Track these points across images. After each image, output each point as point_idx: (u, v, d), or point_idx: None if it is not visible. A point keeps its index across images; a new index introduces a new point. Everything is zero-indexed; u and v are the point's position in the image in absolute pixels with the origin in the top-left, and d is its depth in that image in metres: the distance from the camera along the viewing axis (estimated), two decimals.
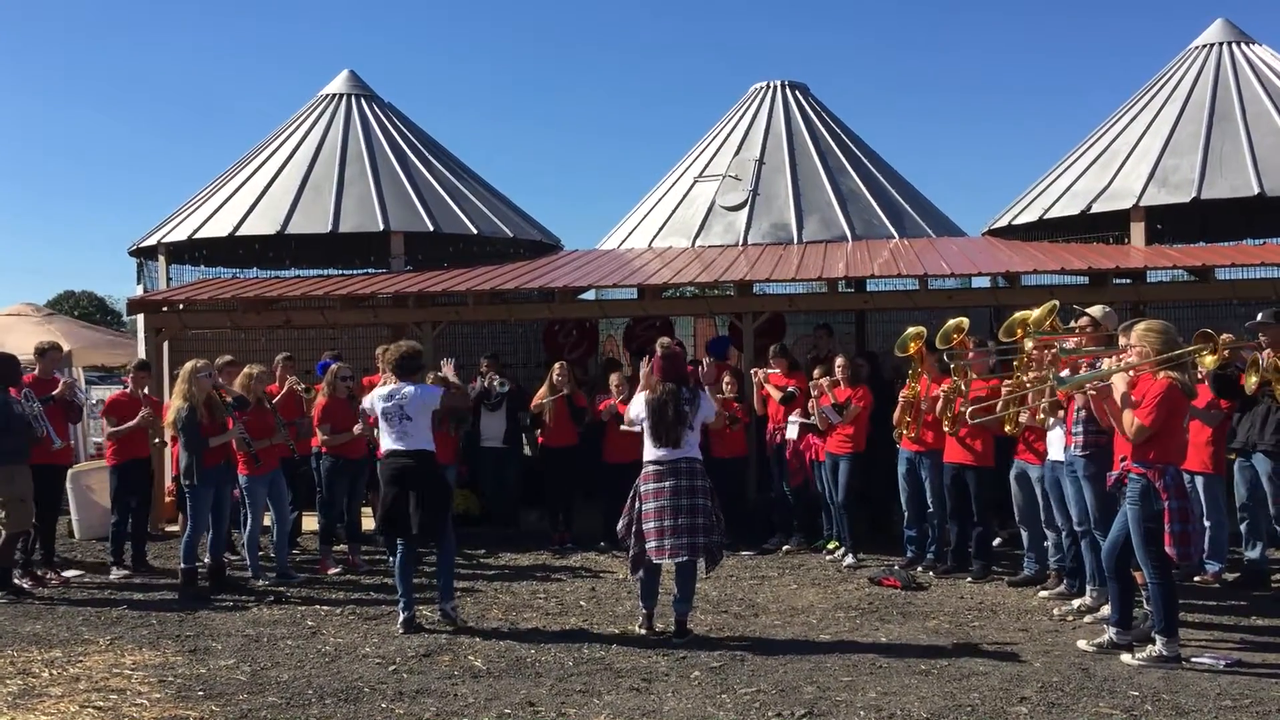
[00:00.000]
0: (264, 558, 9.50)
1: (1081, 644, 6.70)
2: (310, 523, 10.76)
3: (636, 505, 7.18)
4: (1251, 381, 7.53)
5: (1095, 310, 7.54)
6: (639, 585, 7.27)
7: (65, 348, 14.75)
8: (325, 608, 8.23)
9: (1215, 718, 5.41)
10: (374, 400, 7.70)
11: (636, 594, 7.38)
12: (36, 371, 9.65)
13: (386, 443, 7.63)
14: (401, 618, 7.50)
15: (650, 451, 7.19)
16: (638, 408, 7.28)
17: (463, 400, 8.91)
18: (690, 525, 7.01)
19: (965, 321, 8.92)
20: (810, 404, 10.14)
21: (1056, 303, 7.77)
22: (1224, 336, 7.80)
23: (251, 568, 9.27)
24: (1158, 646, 6.27)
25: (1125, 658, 6.38)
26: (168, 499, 11.73)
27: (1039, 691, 5.82)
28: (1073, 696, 5.74)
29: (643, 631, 7.16)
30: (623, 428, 8.49)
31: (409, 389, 7.57)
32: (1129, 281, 11.70)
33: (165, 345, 12.60)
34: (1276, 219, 13.66)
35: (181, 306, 12.66)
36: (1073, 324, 7.65)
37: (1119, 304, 10.17)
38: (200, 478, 8.68)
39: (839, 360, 10.05)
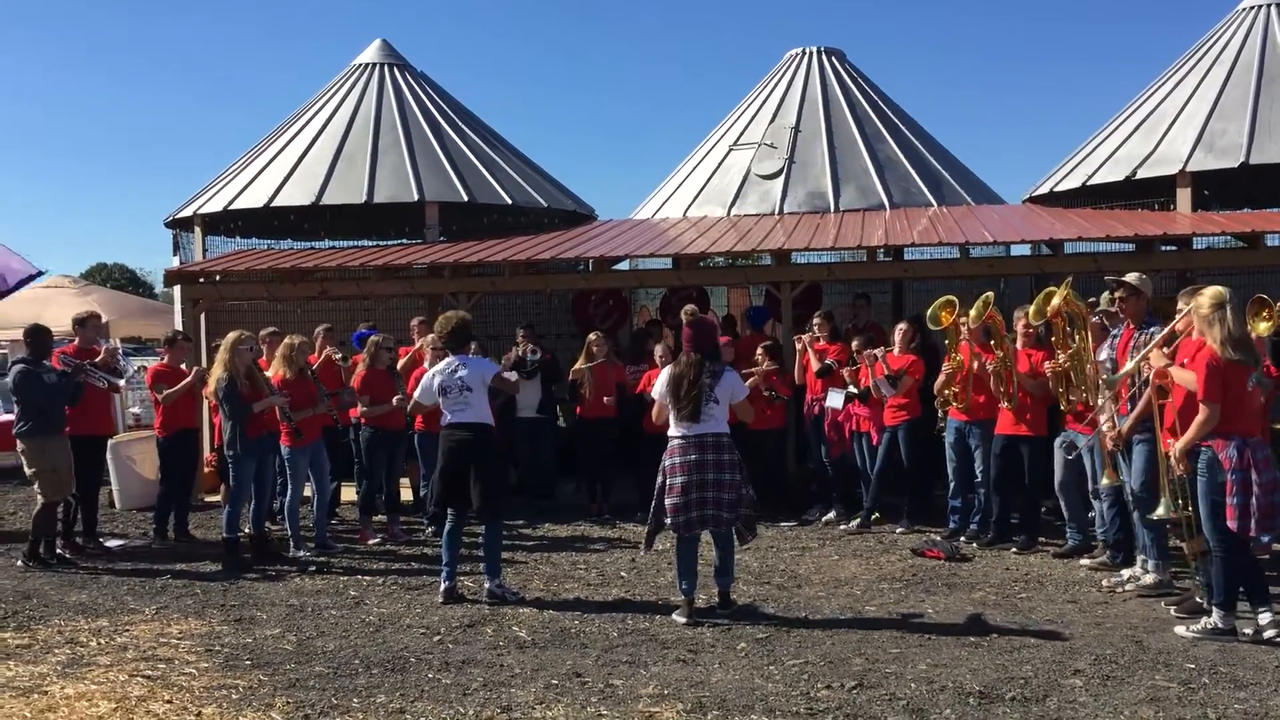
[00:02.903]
0: (304, 528, 9.51)
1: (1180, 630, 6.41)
2: (349, 493, 10.79)
3: (663, 480, 6.98)
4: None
5: (1132, 277, 7.39)
6: (677, 562, 7.00)
7: (104, 318, 14.88)
8: (367, 578, 8.24)
9: (1274, 690, 5.32)
10: (432, 375, 7.65)
11: (675, 573, 7.10)
12: (77, 341, 9.67)
13: (447, 414, 7.57)
14: (443, 587, 7.48)
15: (675, 426, 6.97)
16: (662, 380, 7.15)
17: (512, 388, 8.74)
18: (716, 499, 6.82)
19: (991, 295, 8.80)
20: (847, 374, 10.05)
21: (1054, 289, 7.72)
22: None
23: (293, 538, 9.27)
24: (1214, 619, 6.15)
25: (1179, 629, 6.28)
26: (207, 469, 11.78)
27: (1092, 664, 5.74)
28: (1127, 669, 5.65)
29: (683, 620, 6.79)
30: (654, 413, 7.77)
31: (466, 361, 7.54)
32: (1175, 249, 11.51)
33: (202, 316, 12.64)
34: None
35: (218, 278, 12.68)
36: (1112, 294, 7.50)
37: (1164, 272, 10.03)
38: (244, 448, 8.69)
39: (901, 326, 9.93)
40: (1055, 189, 13.60)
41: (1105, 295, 7.68)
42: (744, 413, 7.47)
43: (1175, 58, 14.11)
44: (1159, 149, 12.61)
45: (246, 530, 9.03)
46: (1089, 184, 12.99)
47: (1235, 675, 5.51)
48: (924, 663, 5.85)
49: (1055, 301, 7.58)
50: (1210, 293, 6.25)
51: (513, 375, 8.48)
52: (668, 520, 6.90)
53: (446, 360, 7.63)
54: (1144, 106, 13.50)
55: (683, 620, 6.78)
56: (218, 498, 10.95)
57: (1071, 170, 13.50)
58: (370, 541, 9.63)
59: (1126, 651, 5.93)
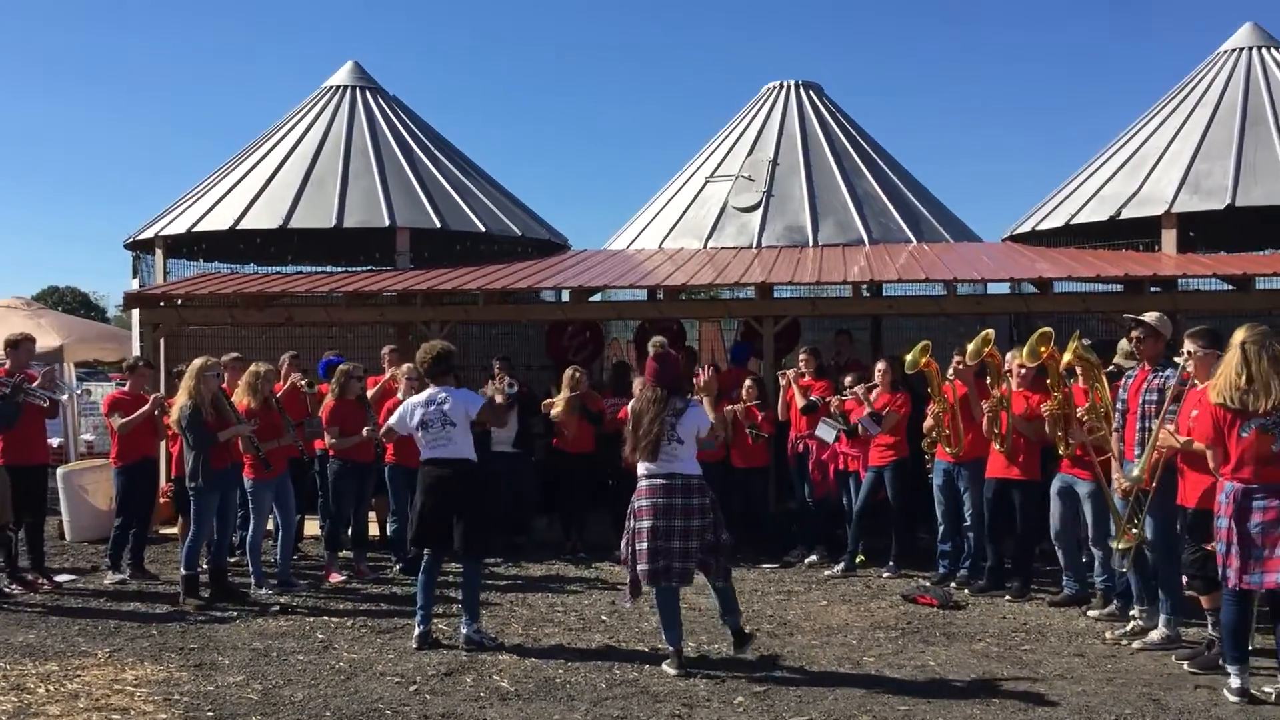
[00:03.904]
0: (265, 564, 9.05)
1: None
2: (311, 528, 10.34)
3: (631, 524, 6.60)
4: None
5: (1150, 317, 7.18)
6: (659, 612, 6.58)
7: (58, 342, 14.34)
8: (334, 619, 7.81)
9: None
10: (411, 407, 7.26)
11: (659, 625, 6.67)
12: (9, 365, 9.02)
13: (426, 450, 7.17)
14: (417, 631, 7.07)
15: (641, 465, 6.60)
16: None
17: (498, 421, 8.35)
18: (685, 550, 6.41)
19: (991, 333, 8.57)
20: (835, 407, 9.78)
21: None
22: None
23: (254, 575, 8.81)
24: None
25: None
26: (162, 500, 11.27)
27: None
28: None
29: (673, 671, 6.37)
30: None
31: (450, 394, 7.14)
32: (1161, 290, 11.36)
33: (161, 341, 12.17)
34: None
35: (180, 301, 12.23)
36: (1129, 334, 7.28)
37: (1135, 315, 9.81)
38: (207, 479, 8.24)
39: (880, 365, 9.67)
40: (1037, 228, 13.45)
41: (1122, 344, 7.43)
42: (713, 437, 7.03)
43: (1153, 100, 14.10)
44: (1143, 189, 12.50)
45: (204, 565, 8.58)
46: (1072, 223, 12.86)
47: None
48: None
49: (1067, 357, 7.33)
50: (1239, 334, 6.01)
51: (501, 397, 8.05)
52: (640, 568, 6.51)
53: (429, 392, 7.24)
54: (1127, 146, 13.42)
55: (674, 671, 6.39)
56: (174, 530, 10.48)
57: (1054, 209, 13.37)
58: (335, 579, 9.19)
59: (1146, 712, 5.63)
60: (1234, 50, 13.56)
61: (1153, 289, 11.12)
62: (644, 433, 6.48)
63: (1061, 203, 13.38)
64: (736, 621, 6.73)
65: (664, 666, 6.46)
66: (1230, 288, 11.09)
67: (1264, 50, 13.39)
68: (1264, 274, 10.60)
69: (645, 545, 6.44)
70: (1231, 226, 12.64)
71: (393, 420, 7.52)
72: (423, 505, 7.10)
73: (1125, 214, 12.39)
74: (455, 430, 7.06)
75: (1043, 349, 7.94)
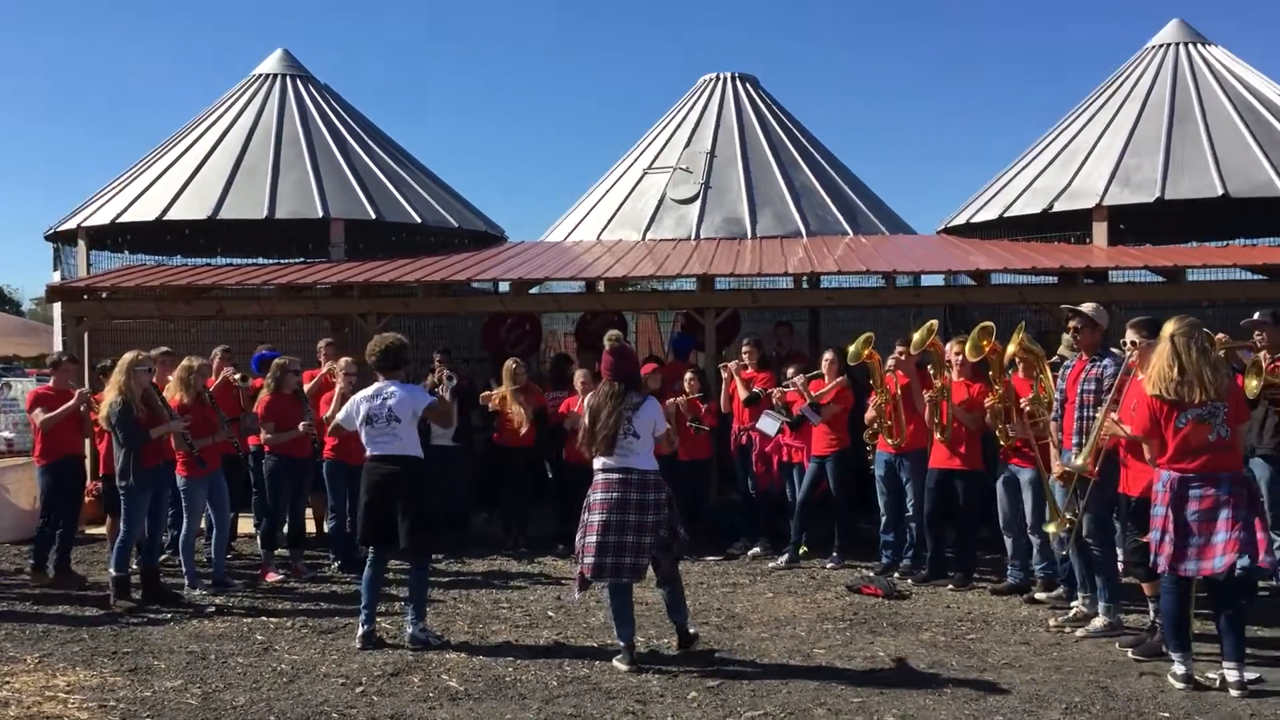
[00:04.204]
0: (198, 563, 8.81)
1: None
2: (245, 525, 10.11)
3: (583, 517, 6.54)
4: (1253, 385, 7.28)
5: (1088, 308, 7.25)
6: (611, 608, 6.51)
7: None
8: (274, 620, 7.61)
9: None
10: (356, 402, 7.09)
11: (611, 621, 6.58)
12: None
13: (370, 447, 7.01)
14: (361, 631, 6.92)
15: (597, 459, 6.55)
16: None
17: (444, 421, 8.19)
18: (638, 544, 6.35)
19: (935, 323, 8.66)
20: (776, 398, 9.79)
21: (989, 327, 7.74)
22: (1219, 336, 7.60)
23: (188, 575, 8.58)
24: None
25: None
26: (88, 499, 10.94)
27: (1065, 713, 5.48)
28: (1101, 719, 5.40)
29: (624, 667, 6.30)
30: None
31: (397, 389, 6.98)
32: (1093, 282, 11.52)
33: (85, 336, 11.83)
34: (1234, 221, 13.63)
35: (105, 294, 11.88)
36: (1067, 324, 7.35)
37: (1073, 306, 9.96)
38: (138, 478, 7.99)
39: (827, 355, 9.67)
40: (972, 220, 13.59)
41: (1066, 339, 7.49)
42: (666, 443, 6.95)
43: (1082, 95, 14.33)
44: (1074, 183, 12.69)
45: (134, 566, 8.33)
46: (1006, 215, 13.00)
47: None
48: (890, 714, 5.51)
49: (1011, 348, 7.38)
50: (1168, 326, 6.09)
51: (449, 395, 7.89)
52: (585, 560, 6.45)
53: (376, 386, 7.08)
54: (1058, 140, 13.61)
55: (625, 667, 6.32)
56: (101, 530, 10.18)
57: (988, 202, 13.52)
58: (272, 579, 8.98)
59: (1096, 700, 5.68)
60: (1161, 46, 13.81)
61: (1086, 280, 11.27)
62: (601, 427, 6.42)
63: (995, 195, 13.53)
64: (683, 620, 6.68)
65: (615, 662, 6.39)
66: (1161, 279, 11.28)
67: (1190, 46, 13.66)
68: (1194, 265, 10.80)
69: (595, 539, 6.38)
70: (1160, 219, 12.87)
71: (339, 416, 7.34)
72: (368, 503, 6.94)
73: (1057, 207, 12.57)
74: (400, 426, 6.92)
75: (985, 343, 8.04)
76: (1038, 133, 14.30)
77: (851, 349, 8.94)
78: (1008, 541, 8.39)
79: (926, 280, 12.15)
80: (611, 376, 6.59)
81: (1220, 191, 11.75)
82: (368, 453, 7.04)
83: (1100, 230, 12.30)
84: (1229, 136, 12.39)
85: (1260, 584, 7.83)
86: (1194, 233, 13.83)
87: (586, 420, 6.59)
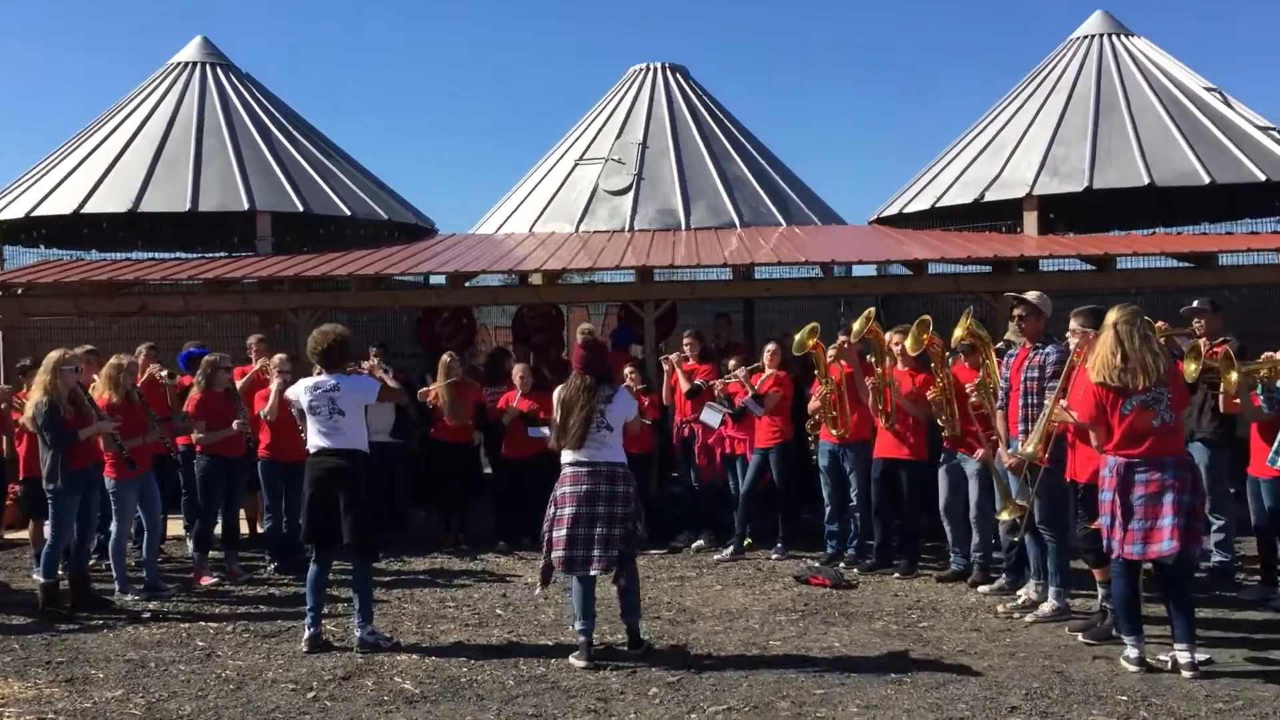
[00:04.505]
0: (129, 568, 8.52)
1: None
2: (175, 527, 9.81)
3: (551, 510, 6.48)
4: (1191, 369, 7.38)
5: (1032, 295, 7.31)
6: (575, 601, 6.41)
7: None
8: (213, 625, 7.38)
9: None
10: (298, 392, 6.89)
11: (572, 613, 6.48)
12: None
13: (314, 440, 6.81)
14: (307, 634, 6.73)
15: (566, 452, 6.49)
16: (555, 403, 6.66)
17: (399, 397, 8.08)
18: (606, 536, 6.29)
19: (873, 311, 8.70)
20: (719, 390, 9.76)
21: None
22: (1159, 324, 7.71)
23: (118, 580, 8.29)
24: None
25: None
26: (9, 502, 10.56)
27: (1025, 699, 5.50)
28: (1062, 704, 5.43)
29: (581, 664, 6.21)
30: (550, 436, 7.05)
31: (340, 380, 6.80)
32: (1024, 271, 11.67)
33: (0, 335, 11.40)
34: (1158, 209, 13.92)
35: (20, 291, 11.45)
36: (1011, 313, 7.40)
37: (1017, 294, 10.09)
38: (66, 480, 7.69)
39: (770, 346, 9.65)
40: (904, 210, 13.70)
41: (1012, 326, 7.53)
42: (634, 428, 7.06)
43: (1008, 86, 14.54)
44: (1004, 173, 12.85)
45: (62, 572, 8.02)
46: (938, 205, 13.12)
47: (1171, 706, 5.36)
48: (853, 705, 5.49)
49: (959, 332, 7.42)
50: (1111, 315, 6.18)
51: (395, 383, 7.74)
52: (555, 554, 6.38)
53: (319, 378, 6.89)
54: (987, 131, 13.78)
55: (581, 664, 6.23)
56: (22, 534, 9.82)
57: (920, 192, 13.63)
58: (207, 582, 8.72)
59: (1054, 685, 5.71)
60: (1086, 37, 14.04)
61: (1019, 270, 11.40)
62: (575, 420, 6.35)
63: (926, 185, 13.65)
64: (634, 621, 6.58)
65: (571, 660, 6.29)
66: (1092, 268, 11.46)
67: (1114, 37, 13.91)
68: (1124, 254, 10.98)
69: (565, 532, 6.30)
70: (1088, 208, 13.08)
71: (289, 391, 7.13)
72: (311, 498, 6.75)
73: (988, 197, 12.71)
74: (345, 420, 6.73)
75: (925, 336, 8.13)
76: (961, 123, 14.51)
77: (797, 338, 8.93)
78: (948, 528, 8.45)
79: (865, 270, 12.20)
80: (583, 369, 6.54)
81: (1146, 181, 11.99)
82: (311, 445, 6.84)
83: (1031, 219, 12.47)
84: (1153, 126, 12.64)
85: (1201, 565, 8.04)
86: (1122, 221, 14.09)
87: (558, 415, 6.50)
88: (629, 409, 6.65)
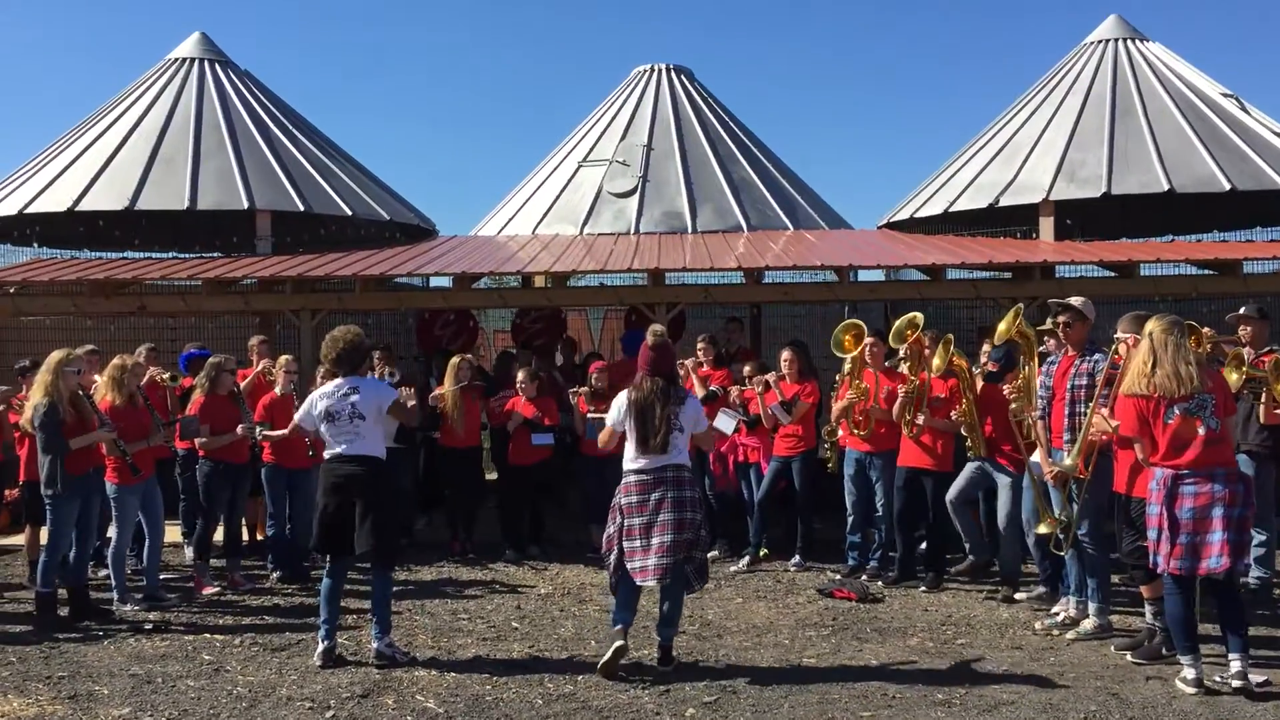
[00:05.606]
0: (129, 577, 8.22)
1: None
2: (172, 534, 9.50)
3: (619, 520, 6.24)
4: (1233, 379, 7.17)
5: (1076, 300, 7.08)
6: (620, 591, 6.24)
7: None
8: (219, 637, 7.08)
9: None
10: (316, 399, 6.59)
11: (611, 605, 6.37)
12: None
13: (331, 446, 6.52)
14: (320, 648, 6.44)
15: (632, 459, 6.24)
16: (620, 407, 6.39)
17: (410, 419, 7.87)
18: (676, 543, 6.07)
19: (919, 317, 8.43)
20: (735, 397, 9.50)
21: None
22: (1205, 330, 7.50)
23: (117, 589, 7.98)
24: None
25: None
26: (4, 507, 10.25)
27: None
28: None
29: (613, 647, 6.03)
30: (601, 440, 6.73)
31: (361, 384, 6.53)
32: (1039, 277, 11.44)
33: None
34: (1174, 217, 13.73)
35: (15, 290, 11.12)
36: (1055, 318, 7.15)
37: (1038, 300, 9.89)
38: (66, 486, 7.38)
39: (785, 354, 9.39)
40: (916, 214, 13.47)
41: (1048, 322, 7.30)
42: (705, 442, 6.95)
43: (1021, 89, 14.33)
44: (1020, 177, 12.64)
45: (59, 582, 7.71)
46: (951, 210, 12.90)
47: None
48: None
49: (1002, 327, 7.17)
50: (1148, 324, 5.98)
51: (412, 401, 7.48)
52: (630, 564, 6.14)
53: (336, 382, 6.60)
54: (1001, 135, 13.56)
55: (613, 647, 6.03)
56: (18, 540, 9.50)
57: (932, 196, 13.40)
58: (209, 591, 8.42)
59: (1112, 709, 5.46)
60: (1100, 41, 13.85)
61: (1040, 275, 11.17)
62: (658, 422, 6.13)
63: (939, 190, 13.42)
64: (670, 636, 6.31)
65: (609, 643, 6.08)
66: (1112, 274, 11.25)
67: (1129, 42, 13.72)
68: (1148, 260, 10.76)
69: (638, 542, 6.12)
70: (1106, 214, 12.88)
71: (298, 415, 6.82)
72: (325, 506, 6.46)
73: (1004, 202, 12.49)
74: (364, 424, 6.44)
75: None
76: (970, 129, 14.32)
77: (834, 336, 8.66)
78: (956, 522, 8.17)
79: (879, 275, 11.95)
80: (651, 372, 6.32)
81: (1165, 186, 11.78)
82: (328, 452, 6.55)
83: (1047, 225, 12.27)
84: (1171, 132, 12.45)
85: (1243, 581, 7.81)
86: (1139, 227, 13.90)
87: (634, 417, 6.24)
88: (699, 413, 6.49)
